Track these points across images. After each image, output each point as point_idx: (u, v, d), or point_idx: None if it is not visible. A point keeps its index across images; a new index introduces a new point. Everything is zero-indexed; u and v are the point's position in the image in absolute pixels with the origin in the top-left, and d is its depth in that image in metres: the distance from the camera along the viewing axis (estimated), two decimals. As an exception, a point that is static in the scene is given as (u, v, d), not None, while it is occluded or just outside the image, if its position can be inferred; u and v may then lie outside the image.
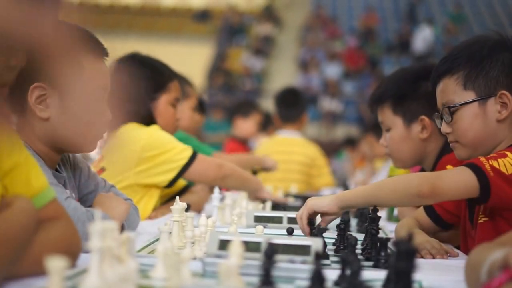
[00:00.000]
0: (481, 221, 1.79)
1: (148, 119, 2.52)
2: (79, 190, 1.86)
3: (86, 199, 1.87)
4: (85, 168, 1.90)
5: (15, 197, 1.24)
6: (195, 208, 2.53)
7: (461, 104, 1.81)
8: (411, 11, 18.69)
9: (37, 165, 1.33)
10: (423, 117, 2.27)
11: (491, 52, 1.80)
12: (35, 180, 1.30)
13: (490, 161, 1.67)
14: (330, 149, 10.33)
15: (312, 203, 1.80)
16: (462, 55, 1.83)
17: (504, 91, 1.77)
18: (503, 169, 1.65)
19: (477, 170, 1.66)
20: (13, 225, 1.16)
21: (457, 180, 1.67)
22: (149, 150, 2.38)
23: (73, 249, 1.29)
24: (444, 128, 1.86)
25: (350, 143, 8.44)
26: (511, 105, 1.77)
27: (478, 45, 1.83)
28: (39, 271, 1.10)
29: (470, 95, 1.80)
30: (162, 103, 2.57)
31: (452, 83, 1.83)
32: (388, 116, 2.34)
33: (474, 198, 1.70)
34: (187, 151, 2.44)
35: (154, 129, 2.47)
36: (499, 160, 1.67)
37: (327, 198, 1.81)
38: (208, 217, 1.97)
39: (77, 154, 1.91)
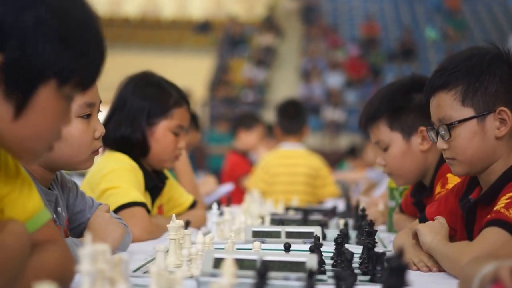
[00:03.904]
0: None
1: (140, 144, 2.44)
2: (68, 209, 1.87)
3: (75, 219, 1.88)
4: (73, 188, 1.92)
5: (7, 221, 1.23)
6: (195, 224, 2.53)
7: (460, 121, 1.75)
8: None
9: (34, 186, 1.33)
10: (422, 128, 2.25)
11: (489, 67, 1.75)
12: (31, 202, 1.30)
13: (510, 210, 1.61)
14: (334, 159, 10.31)
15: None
16: (459, 70, 1.77)
17: (503, 108, 1.73)
18: None
19: (506, 225, 1.60)
20: (5, 250, 1.15)
21: (501, 248, 1.55)
22: (104, 183, 2.30)
23: (67, 272, 1.29)
24: (440, 144, 1.81)
25: (352, 153, 8.42)
26: (510, 121, 1.72)
27: (476, 59, 1.77)
28: None
29: (468, 112, 1.75)
30: (161, 129, 2.45)
31: (449, 98, 1.77)
32: (385, 133, 2.31)
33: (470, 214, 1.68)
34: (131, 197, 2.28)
35: (122, 164, 2.37)
36: None
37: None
38: (207, 233, 1.98)
39: (66, 175, 1.93)
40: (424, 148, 2.26)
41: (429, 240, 1.76)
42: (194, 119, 3.84)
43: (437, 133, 1.82)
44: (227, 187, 4.16)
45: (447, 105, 1.78)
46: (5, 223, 1.22)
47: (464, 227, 1.85)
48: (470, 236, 1.83)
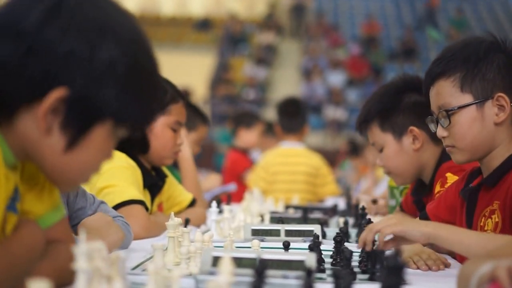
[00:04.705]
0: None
1: (140, 141, 2.44)
2: (68, 207, 1.87)
3: (75, 216, 1.88)
4: None
5: (20, 224, 1.23)
6: (195, 222, 2.52)
7: (459, 107, 1.77)
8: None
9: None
10: (412, 128, 2.27)
11: (487, 54, 1.78)
12: (48, 196, 1.31)
13: None
14: (335, 158, 10.30)
15: (403, 232, 1.60)
16: (457, 57, 1.80)
17: (501, 94, 1.75)
18: None
19: None
20: (12, 257, 1.15)
21: None
22: (101, 181, 2.28)
23: (71, 277, 1.28)
24: (440, 132, 1.83)
25: (354, 151, 8.42)
26: (508, 107, 1.74)
27: (474, 47, 1.80)
28: None
29: (467, 98, 1.77)
30: (159, 125, 2.45)
31: (448, 85, 1.80)
32: (378, 135, 2.34)
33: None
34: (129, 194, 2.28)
35: (119, 162, 2.35)
36: None
37: (419, 230, 1.60)
38: (206, 231, 1.97)
39: None
40: (416, 147, 2.28)
41: (427, 229, 1.63)
42: (201, 115, 3.84)
43: (437, 122, 1.84)
44: (230, 187, 4.15)
45: (446, 92, 1.80)
46: (17, 227, 1.22)
47: (465, 213, 1.86)
48: (469, 221, 1.84)
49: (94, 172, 1.26)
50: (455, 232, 1.62)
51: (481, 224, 1.78)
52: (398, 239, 1.63)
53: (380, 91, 2.42)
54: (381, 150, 2.35)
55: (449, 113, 1.78)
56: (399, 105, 2.29)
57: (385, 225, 1.62)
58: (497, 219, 1.73)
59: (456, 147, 1.81)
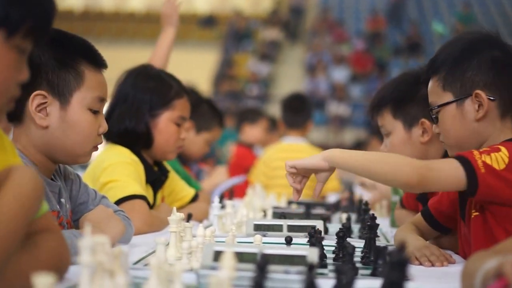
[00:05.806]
0: (473, 216, 1.78)
1: (145, 136, 2.45)
2: (71, 201, 1.88)
3: (77, 210, 1.88)
4: (76, 180, 1.93)
5: (13, 168, 1.20)
6: (197, 217, 2.52)
7: (439, 106, 1.84)
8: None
9: None
10: (423, 120, 2.25)
11: (466, 53, 1.82)
12: None
13: (483, 156, 1.66)
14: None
15: (300, 164, 1.83)
16: (441, 57, 1.86)
17: (478, 91, 1.77)
18: (494, 165, 1.65)
19: (466, 163, 1.65)
20: (18, 200, 1.14)
21: (446, 173, 1.67)
22: (104, 176, 2.30)
23: (62, 263, 1.27)
24: (434, 128, 1.91)
25: (357, 147, 8.41)
26: (486, 104, 1.77)
27: (458, 45, 1.85)
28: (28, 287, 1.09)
29: (448, 96, 1.83)
30: (163, 120, 2.47)
31: (433, 84, 1.87)
32: (388, 121, 2.32)
33: (464, 192, 1.70)
34: (131, 189, 2.28)
35: (123, 157, 2.37)
36: (491, 154, 1.67)
37: (317, 156, 1.83)
38: (207, 226, 1.97)
39: (68, 167, 1.92)
40: (424, 140, 2.27)
41: (323, 154, 1.82)
42: (220, 118, 3.85)
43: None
44: (239, 179, 4.15)
45: (433, 91, 1.88)
46: (8, 174, 1.19)
47: (459, 209, 1.87)
48: (462, 213, 1.85)
49: (13, 93, 1.22)
50: (345, 151, 1.82)
51: (473, 216, 1.78)
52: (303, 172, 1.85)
53: (398, 79, 2.41)
54: (387, 135, 2.34)
55: (433, 111, 1.86)
56: (415, 96, 2.27)
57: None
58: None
59: (444, 143, 1.88)
